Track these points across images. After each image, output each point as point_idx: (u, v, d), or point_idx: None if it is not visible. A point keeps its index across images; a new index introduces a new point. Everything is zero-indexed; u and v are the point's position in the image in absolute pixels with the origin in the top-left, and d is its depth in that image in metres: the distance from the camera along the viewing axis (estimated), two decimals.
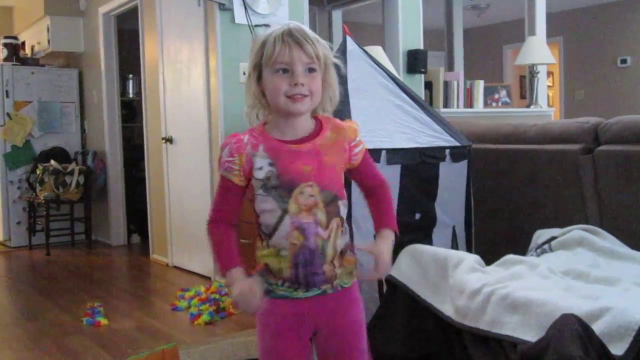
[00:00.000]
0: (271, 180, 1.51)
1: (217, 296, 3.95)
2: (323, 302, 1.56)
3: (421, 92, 5.44)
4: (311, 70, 1.50)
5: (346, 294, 1.59)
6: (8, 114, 6.36)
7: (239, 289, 1.51)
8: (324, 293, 1.56)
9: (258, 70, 1.54)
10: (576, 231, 2.53)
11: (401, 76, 5.25)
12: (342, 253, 1.57)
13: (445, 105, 5.58)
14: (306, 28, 1.53)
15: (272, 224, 1.52)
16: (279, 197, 1.51)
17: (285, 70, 1.49)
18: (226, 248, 1.59)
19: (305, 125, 1.56)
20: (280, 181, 1.50)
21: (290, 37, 1.49)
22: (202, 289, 4.17)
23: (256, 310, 1.53)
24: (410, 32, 5.51)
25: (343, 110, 2.52)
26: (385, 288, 2.52)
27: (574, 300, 1.90)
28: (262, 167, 1.51)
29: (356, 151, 1.60)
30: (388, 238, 1.64)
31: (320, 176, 1.52)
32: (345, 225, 1.58)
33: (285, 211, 1.51)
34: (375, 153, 2.53)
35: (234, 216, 1.60)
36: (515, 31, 8.17)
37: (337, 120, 1.60)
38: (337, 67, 1.58)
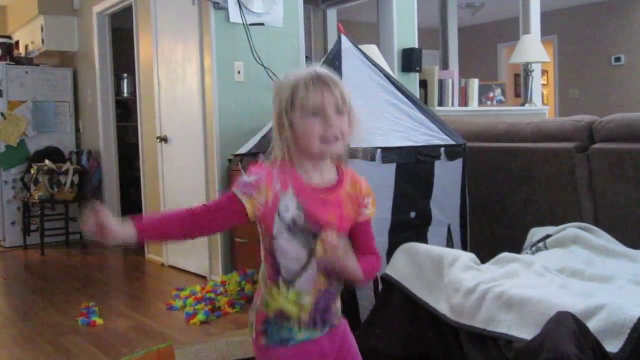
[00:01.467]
0: (298, 224, 1.48)
1: (213, 295, 3.95)
2: (336, 333, 1.58)
3: (416, 91, 5.45)
4: (340, 111, 1.50)
5: (342, 322, 1.62)
6: (2, 114, 6.34)
7: (100, 225, 1.45)
8: (334, 325, 1.57)
9: (288, 114, 1.51)
10: (571, 229, 2.53)
11: (396, 75, 5.26)
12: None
13: (440, 104, 5.59)
14: (330, 72, 1.53)
15: (297, 268, 1.50)
16: (306, 241, 1.49)
17: (316, 114, 1.48)
18: (158, 217, 1.55)
19: (329, 170, 1.56)
20: (307, 226, 1.48)
21: (320, 80, 1.49)
22: (198, 288, 4.17)
23: (103, 240, 1.46)
24: (404, 31, 5.52)
25: None
26: (380, 286, 2.53)
27: (569, 298, 1.91)
28: (289, 209, 1.48)
29: (364, 211, 1.59)
30: (356, 264, 1.55)
31: (340, 225, 1.52)
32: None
33: (311, 256, 1.49)
34: (370, 152, 2.53)
35: (205, 227, 1.54)
36: (510, 30, 8.20)
37: (355, 174, 1.60)
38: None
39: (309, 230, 1.48)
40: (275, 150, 1.53)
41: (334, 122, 1.48)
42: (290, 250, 1.49)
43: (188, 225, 1.51)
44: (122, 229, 1.46)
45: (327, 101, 1.47)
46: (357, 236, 1.60)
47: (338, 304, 1.58)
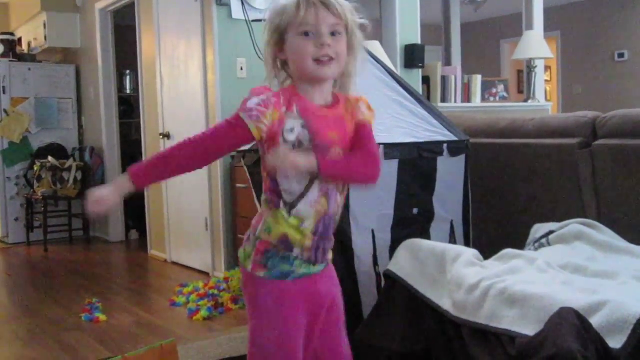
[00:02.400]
0: (302, 144, 1.45)
1: (216, 292, 3.96)
2: (329, 275, 1.56)
3: (419, 87, 5.44)
4: (336, 33, 1.45)
5: (332, 267, 1.61)
6: (5, 111, 6.35)
7: (107, 193, 1.43)
8: (326, 265, 1.55)
9: (278, 35, 1.48)
10: (574, 225, 2.53)
11: (399, 71, 5.25)
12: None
13: (443, 100, 5.58)
14: None
15: (299, 191, 1.46)
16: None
17: (309, 34, 1.44)
18: (156, 156, 1.47)
19: (329, 94, 1.52)
20: (312, 145, 1.45)
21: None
22: (201, 284, 4.18)
23: (100, 210, 1.43)
24: (407, 27, 5.51)
25: None
26: (383, 283, 2.53)
27: (572, 294, 1.90)
28: (294, 129, 1.44)
29: (357, 115, 1.55)
30: (312, 159, 1.48)
31: (343, 143, 1.50)
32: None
33: (314, 177, 1.46)
34: None
35: (211, 154, 1.48)
36: (513, 26, 8.17)
37: (349, 95, 1.56)
38: (364, 27, 1.53)
39: (312, 149, 1.45)
40: (272, 77, 1.52)
41: (326, 41, 1.43)
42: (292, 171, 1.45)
43: (190, 152, 1.45)
44: (115, 185, 1.44)
45: (320, 20, 1.43)
46: (356, 141, 1.54)
47: (332, 237, 1.55)
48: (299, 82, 1.49)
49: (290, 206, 1.47)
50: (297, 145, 1.44)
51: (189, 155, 1.44)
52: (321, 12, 1.43)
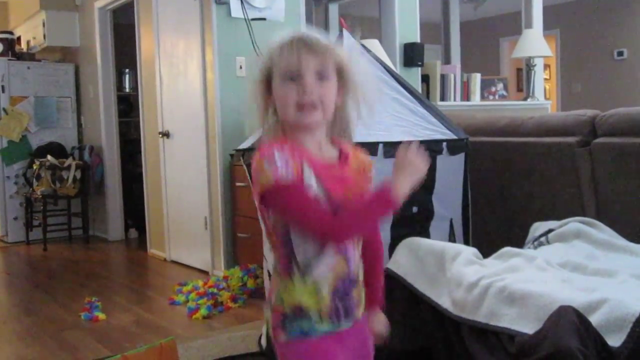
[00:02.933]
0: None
1: (215, 290, 3.96)
2: (360, 328, 1.45)
3: (418, 86, 5.44)
4: (322, 77, 1.35)
5: (365, 319, 1.50)
6: (4, 109, 6.34)
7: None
8: (358, 319, 1.43)
9: (266, 79, 1.39)
10: (573, 223, 2.53)
11: (398, 69, 5.25)
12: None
13: (442, 99, 5.58)
14: (319, 34, 1.38)
15: (314, 252, 1.35)
16: None
17: (293, 79, 1.34)
18: (366, 200, 1.37)
19: (325, 142, 1.41)
20: (327, 204, 1.33)
21: (300, 42, 1.35)
22: (200, 283, 4.18)
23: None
24: (406, 25, 5.51)
25: None
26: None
27: (571, 292, 1.91)
28: (311, 185, 1.32)
29: (368, 186, 1.46)
30: (383, 320, 1.53)
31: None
32: None
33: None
34: (372, 146, 2.53)
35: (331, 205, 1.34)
36: (512, 24, 8.17)
37: (353, 148, 1.46)
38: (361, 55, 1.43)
39: (329, 207, 1.33)
40: (265, 130, 1.41)
41: (310, 87, 1.33)
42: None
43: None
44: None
45: (304, 64, 1.33)
46: None
47: (361, 292, 1.44)
48: (289, 129, 1.38)
49: (305, 270, 1.36)
50: None
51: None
52: (305, 54, 1.33)
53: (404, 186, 1.36)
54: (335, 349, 1.39)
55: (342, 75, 1.38)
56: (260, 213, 1.43)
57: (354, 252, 1.40)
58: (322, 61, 1.35)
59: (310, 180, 1.32)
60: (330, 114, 1.38)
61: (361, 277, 1.44)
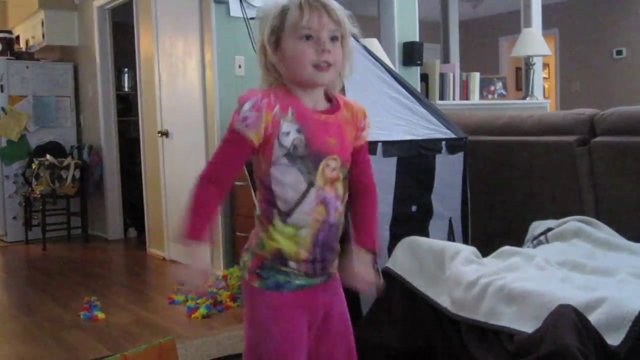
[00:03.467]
0: (298, 149, 1.40)
1: (214, 290, 3.96)
2: (329, 285, 1.52)
3: (417, 85, 5.44)
4: (334, 38, 1.42)
5: (337, 276, 1.56)
6: (3, 109, 6.34)
7: (195, 269, 1.44)
8: (330, 276, 1.51)
9: (276, 37, 1.43)
10: (572, 222, 2.53)
11: (397, 68, 5.25)
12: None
13: (441, 98, 5.58)
14: None
15: (295, 199, 1.42)
16: (305, 168, 1.41)
17: (309, 37, 1.40)
18: (204, 215, 1.45)
19: (321, 98, 1.48)
20: (308, 151, 1.41)
21: (317, 1, 1.40)
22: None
23: (196, 289, 1.50)
24: (405, 25, 5.51)
25: None
26: (382, 280, 2.53)
27: (570, 291, 1.91)
28: (289, 133, 1.40)
29: (362, 134, 1.54)
30: (368, 261, 1.55)
31: (342, 151, 1.46)
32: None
33: (311, 184, 1.42)
34: (371, 145, 2.52)
35: (231, 179, 1.47)
36: (511, 23, 8.17)
37: (346, 98, 1.54)
38: (354, 37, 1.50)
39: (308, 156, 1.41)
40: (264, 79, 1.48)
41: (327, 47, 1.40)
42: (287, 177, 1.41)
43: (214, 192, 1.46)
44: (196, 258, 1.46)
45: (322, 25, 1.40)
46: (358, 163, 1.54)
47: (337, 246, 1.51)
48: (291, 86, 1.45)
49: (286, 215, 1.43)
50: (292, 149, 1.41)
51: (215, 195, 1.45)
52: (324, 17, 1.39)
53: (182, 270, 1.47)
54: (304, 302, 1.47)
55: (344, 40, 1.45)
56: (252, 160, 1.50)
57: (336, 202, 1.46)
58: (336, 24, 1.41)
59: (290, 128, 1.40)
60: (338, 74, 1.46)
61: (340, 231, 1.50)
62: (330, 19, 1.40)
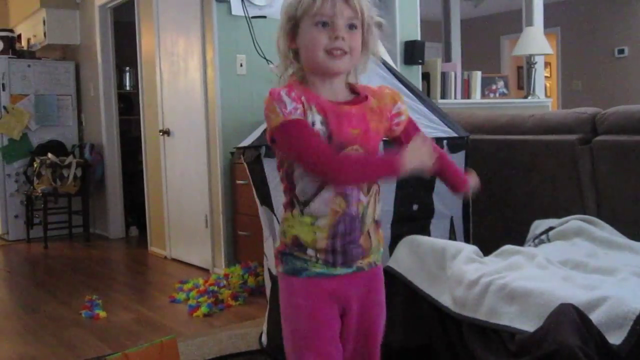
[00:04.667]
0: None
1: (216, 288, 3.96)
2: (358, 280, 1.50)
3: (418, 83, 5.44)
4: (352, 26, 1.42)
5: (377, 272, 1.56)
6: (5, 107, 6.34)
7: (420, 155, 1.41)
8: (359, 270, 1.49)
9: (292, 24, 1.44)
10: (574, 221, 2.53)
11: (398, 67, 5.24)
12: (377, 223, 1.52)
13: (443, 96, 5.57)
14: None
15: (313, 189, 1.42)
16: None
17: (324, 25, 1.40)
18: (369, 158, 1.46)
19: (342, 89, 1.48)
20: (331, 142, 1.40)
21: None
22: (201, 281, 4.18)
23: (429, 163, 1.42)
24: (407, 23, 5.50)
25: None
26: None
27: (572, 290, 1.91)
28: (314, 124, 1.39)
29: (397, 120, 1.55)
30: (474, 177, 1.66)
31: (366, 141, 1.45)
32: (380, 193, 1.53)
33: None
34: None
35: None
36: (513, 22, 8.16)
37: (376, 88, 1.54)
38: (379, 25, 1.50)
39: (331, 146, 1.41)
40: (283, 70, 1.48)
41: (341, 34, 1.40)
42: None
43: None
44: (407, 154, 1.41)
45: (338, 12, 1.40)
46: (409, 138, 1.52)
47: (373, 242, 1.50)
48: (309, 75, 1.45)
49: (304, 204, 1.44)
50: None
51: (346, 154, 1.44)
52: (339, 3, 1.39)
53: (409, 164, 1.40)
54: (321, 290, 1.46)
55: (364, 28, 1.45)
56: (275, 154, 1.51)
57: (358, 194, 1.45)
58: (355, 12, 1.41)
59: (315, 118, 1.39)
60: (355, 62, 1.47)
61: (369, 224, 1.49)
62: (347, 6, 1.40)
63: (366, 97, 1.49)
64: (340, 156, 1.40)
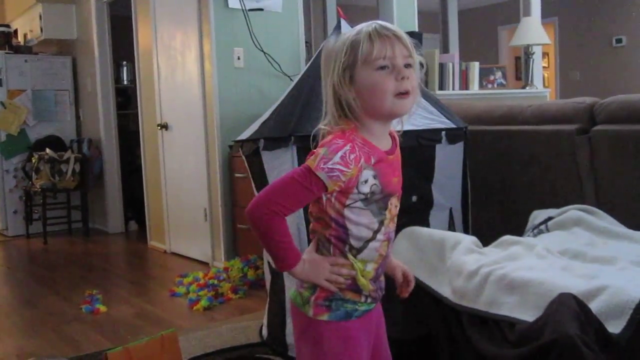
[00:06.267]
0: (375, 194, 1.39)
1: (216, 282, 3.96)
2: (379, 309, 1.54)
3: None
4: (407, 65, 1.38)
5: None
6: (2, 103, 6.33)
7: (322, 276, 1.41)
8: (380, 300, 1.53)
9: (350, 73, 1.37)
10: (573, 211, 2.53)
11: None
12: None
13: (441, 88, 5.56)
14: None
15: (368, 237, 1.42)
16: (377, 209, 1.41)
17: (384, 68, 1.35)
18: (290, 243, 1.40)
19: (387, 136, 1.46)
20: (382, 194, 1.40)
21: (385, 30, 1.38)
22: (201, 274, 4.18)
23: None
24: (404, 14, 5.49)
25: None
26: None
27: (571, 279, 1.91)
28: (367, 181, 1.37)
29: None
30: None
31: (401, 187, 1.47)
32: None
33: (382, 223, 1.42)
34: None
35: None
36: (510, 12, 8.15)
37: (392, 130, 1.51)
38: (421, 65, 1.45)
39: (382, 198, 1.41)
40: (336, 121, 1.40)
41: (405, 74, 1.36)
42: (362, 219, 1.40)
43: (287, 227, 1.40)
44: (306, 266, 1.42)
45: (396, 53, 1.37)
46: None
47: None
48: (367, 121, 1.40)
49: (357, 251, 1.42)
50: (370, 196, 1.39)
51: (287, 226, 1.38)
52: (396, 44, 1.37)
53: (302, 274, 1.42)
54: (370, 324, 1.48)
55: (413, 68, 1.42)
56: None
57: (394, 235, 1.49)
58: (408, 50, 1.40)
59: (368, 175, 1.37)
60: (416, 102, 1.43)
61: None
62: (403, 46, 1.38)
63: (396, 141, 1.48)
64: (272, 221, 1.35)
